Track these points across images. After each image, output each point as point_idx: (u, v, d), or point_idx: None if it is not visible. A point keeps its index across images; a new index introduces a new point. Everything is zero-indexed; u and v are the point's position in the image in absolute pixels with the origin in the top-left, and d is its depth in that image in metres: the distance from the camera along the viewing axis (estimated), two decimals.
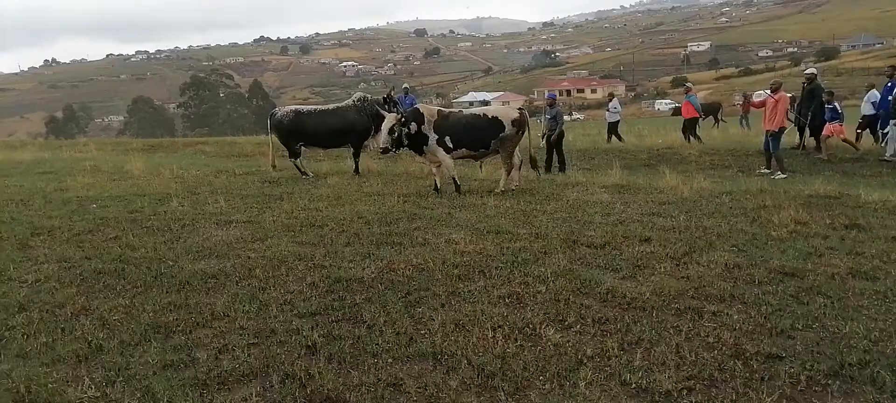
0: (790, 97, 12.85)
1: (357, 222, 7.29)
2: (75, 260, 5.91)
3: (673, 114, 27.25)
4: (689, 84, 18.44)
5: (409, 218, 7.40)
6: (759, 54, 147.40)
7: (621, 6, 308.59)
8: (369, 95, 12.18)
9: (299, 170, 11.65)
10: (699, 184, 8.98)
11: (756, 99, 13.98)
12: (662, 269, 5.11)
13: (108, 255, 6.04)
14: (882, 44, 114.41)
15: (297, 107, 12.01)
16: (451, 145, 9.18)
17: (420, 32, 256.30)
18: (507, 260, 5.47)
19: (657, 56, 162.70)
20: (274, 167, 11.96)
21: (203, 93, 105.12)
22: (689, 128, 16.81)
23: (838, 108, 12.95)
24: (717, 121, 24.04)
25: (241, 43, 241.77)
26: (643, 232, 6.32)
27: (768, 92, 11.83)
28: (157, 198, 9.42)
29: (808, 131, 13.38)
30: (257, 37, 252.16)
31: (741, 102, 27.00)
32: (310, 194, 9.45)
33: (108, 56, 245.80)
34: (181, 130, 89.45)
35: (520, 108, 9.72)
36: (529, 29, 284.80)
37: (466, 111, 9.84)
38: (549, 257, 5.56)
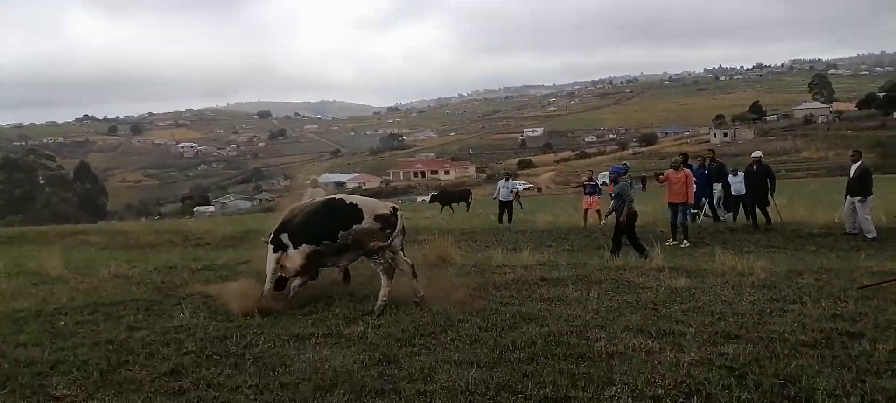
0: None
1: (469, 326, 5.93)
2: None
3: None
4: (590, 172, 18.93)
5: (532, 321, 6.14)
6: (586, 139, 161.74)
7: (459, 94, 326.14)
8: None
9: None
10: (761, 265, 8.66)
11: (660, 175, 14.21)
12: None
13: None
14: (689, 131, 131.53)
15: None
16: (288, 242, 7.02)
17: (264, 114, 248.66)
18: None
19: (498, 140, 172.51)
20: None
21: (17, 177, 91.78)
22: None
23: (597, 185, 16.09)
24: (468, 206, 26.00)
25: (61, 122, 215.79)
26: (839, 325, 5.60)
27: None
28: (143, 307, 7.20)
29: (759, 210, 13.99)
30: (81, 116, 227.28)
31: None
32: (338, 292, 7.74)
33: None
34: None
35: (394, 206, 7.27)
36: (375, 113, 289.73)
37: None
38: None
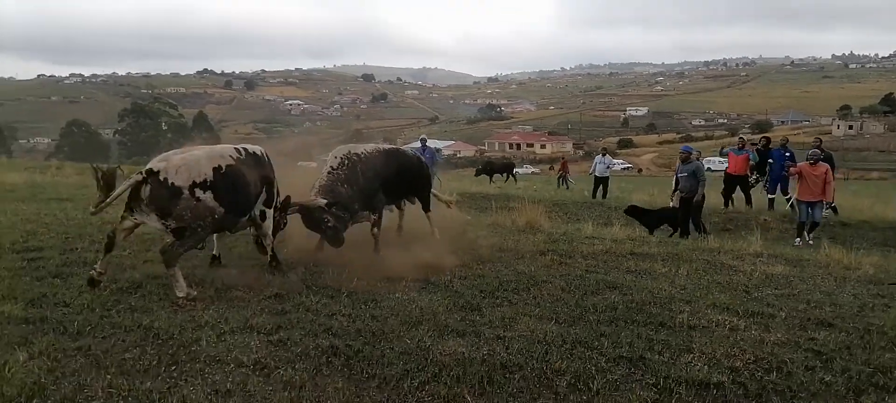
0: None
1: (552, 287, 6.07)
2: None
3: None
4: (741, 136, 17.39)
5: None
6: (693, 123, 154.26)
7: (562, 68, 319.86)
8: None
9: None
10: (871, 260, 8.16)
11: (792, 169, 13.21)
12: None
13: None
14: (809, 121, 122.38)
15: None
16: None
17: (367, 77, 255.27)
18: None
19: (598, 117, 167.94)
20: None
21: (144, 121, 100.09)
22: (743, 186, 15.93)
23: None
24: (510, 177, 28.58)
25: (182, 74, 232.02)
26: None
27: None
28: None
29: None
30: (201, 69, 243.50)
31: (560, 165, 30.03)
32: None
33: (39, 76, 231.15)
34: (117, 158, 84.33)
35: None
36: (474, 82, 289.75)
37: None
38: None
